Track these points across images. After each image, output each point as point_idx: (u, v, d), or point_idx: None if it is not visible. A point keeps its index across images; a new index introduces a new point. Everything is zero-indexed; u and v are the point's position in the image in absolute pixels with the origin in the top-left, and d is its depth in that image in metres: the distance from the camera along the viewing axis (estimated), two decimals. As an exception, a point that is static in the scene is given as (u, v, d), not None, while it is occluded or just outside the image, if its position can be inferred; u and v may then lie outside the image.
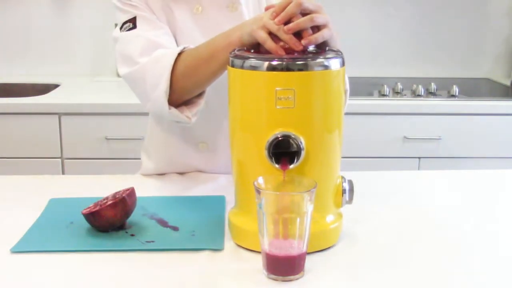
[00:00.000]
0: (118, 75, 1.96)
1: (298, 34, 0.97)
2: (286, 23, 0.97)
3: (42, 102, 2.27)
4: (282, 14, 0.97)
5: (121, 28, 1.25)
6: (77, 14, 2.70)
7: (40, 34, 2.72)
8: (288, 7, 0.97)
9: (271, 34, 0.98)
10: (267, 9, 1.06)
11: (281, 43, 0.98)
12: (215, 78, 1.14)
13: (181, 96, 1.18)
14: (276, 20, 0.98)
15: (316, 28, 0.99)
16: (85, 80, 2.65)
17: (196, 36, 1.24)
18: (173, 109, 1.17)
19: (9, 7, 2.68)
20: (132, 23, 1.23)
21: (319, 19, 0.98)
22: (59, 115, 2.24)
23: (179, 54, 1.16)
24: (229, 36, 1.08)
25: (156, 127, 1.38)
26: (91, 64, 2.73)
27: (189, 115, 1.19)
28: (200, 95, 1.20)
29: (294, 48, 0.97)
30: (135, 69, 1.20)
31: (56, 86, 2.54)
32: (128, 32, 1.23)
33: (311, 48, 1.00)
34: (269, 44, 0.98)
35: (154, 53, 1.18)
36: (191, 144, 1.33)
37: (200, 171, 1.36)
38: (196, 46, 1.16)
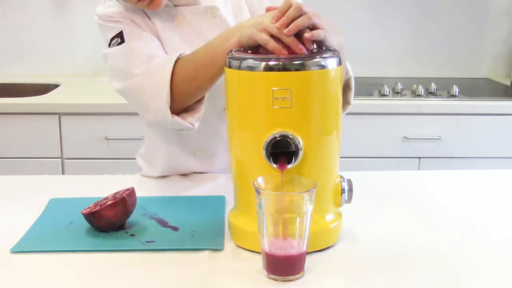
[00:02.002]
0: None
1: (298, 38, 0.98)
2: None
3: (42, 102, 2.27)
4: (283, 18, 0.98)
5: (109, 44, 1.23)
6: (77, 14, 2.70)
7: (40, 34, 2.72)
8: (289, 11, 0.98)
9: (272, 37, 0.99)
10: (267, 10, 1.06)
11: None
12: (215, 81, 1.14)
13: (182, 102, 1.17)
14: (277, 24, 0.98)
15: None
16: (85, 80, 2.65)
17: (181, 45, 1.23)
18: (176, 117, 1.16)
19: (9, 7, 2.68)
20: (119, 37, 1.21)
21: (316, 19, 0.98)
22: (59, 115, 2.24)
23: (176, 61, 1.15)
24: (227, 39, 1.07)
25: (152, 136, 1.37)
26: (91, 64, 2.73)
27: (192, 121, 1.18)
28: (200, 100, 1.19)
29: (296, 51, 0.97)
30: (132, 81, 1.19)
31: (56, 86, 2.54)
32: (117, 47, 1.21)
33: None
34: (272, 45, 0.98)
35: (150, 63, 1.17)
36: (188, 152, 1.33)
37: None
38: (193, 51, 1.15)
